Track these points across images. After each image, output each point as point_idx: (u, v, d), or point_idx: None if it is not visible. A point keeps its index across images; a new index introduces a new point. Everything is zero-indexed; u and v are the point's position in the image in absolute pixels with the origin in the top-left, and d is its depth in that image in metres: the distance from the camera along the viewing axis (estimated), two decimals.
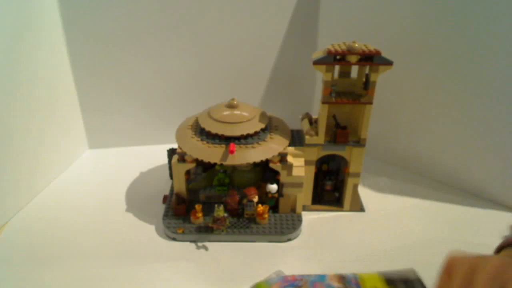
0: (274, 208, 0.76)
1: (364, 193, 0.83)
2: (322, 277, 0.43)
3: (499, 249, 0.41)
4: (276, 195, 0.75)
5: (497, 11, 0.69)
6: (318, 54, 0.68)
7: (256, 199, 0.73)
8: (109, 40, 0.88)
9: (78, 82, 0.91)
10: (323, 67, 0.67)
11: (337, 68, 0.71)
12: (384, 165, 0.94)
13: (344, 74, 0.73)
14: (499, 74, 0.72)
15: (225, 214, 0.71)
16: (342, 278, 0.42)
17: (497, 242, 0.42)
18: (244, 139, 0.72)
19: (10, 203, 0.77)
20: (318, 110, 0.72)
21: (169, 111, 0.97)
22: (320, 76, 0.71)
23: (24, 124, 0.78)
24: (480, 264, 0.34)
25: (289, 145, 0.74)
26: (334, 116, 0.74)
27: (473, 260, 0.35)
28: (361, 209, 0.79)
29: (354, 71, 0.73)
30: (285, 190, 0.74)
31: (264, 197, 0.75)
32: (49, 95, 0.84)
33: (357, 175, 0.75)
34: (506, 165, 0.77)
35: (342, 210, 0.79)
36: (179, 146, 0.73)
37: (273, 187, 0.74)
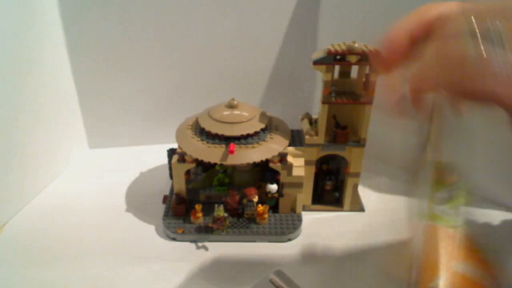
0: (274, 208, 0.76)
1: (364, 193, 0.83)
2: None
3: None
4: (276, 195, 0.75)
5: None
6: (318, 54, 0.68)
7: (256, 199, 0.73)
8: (109, 40, 0.88)
9: (78, 82, 0.91)
10: (323, 67, 0.67)
11: (337, 68, 0.71)
12: (384, 165, 0.94)
13: (344, 74, 0.73)
14: None
15: (225, 214, 0.71)
16: None
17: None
18: (244, 139, 0.72)
19: (10, 203, 0.77)
20: (318, 110, 0.72)
21: (169, 111, 0.97)
22: (320, 76, 0.71)
23: (24, 124, 0.78)
24: None
25: (289, 145, 0.74)
26: (334, 116, 0.74)
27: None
28: (361, 209, 0.79)
29: (354, 71, 0.73)
30: (285, 190, 0.74)
31: (264, 197, 0.75)
32: (49, 95, 0.84)
33: (357, 175, 0.75)
34: (506, 165, 0.77)
35: (342, 210, 0.79)
36: (179, 146, 0.73)
37: (273, 187, 0.74)
